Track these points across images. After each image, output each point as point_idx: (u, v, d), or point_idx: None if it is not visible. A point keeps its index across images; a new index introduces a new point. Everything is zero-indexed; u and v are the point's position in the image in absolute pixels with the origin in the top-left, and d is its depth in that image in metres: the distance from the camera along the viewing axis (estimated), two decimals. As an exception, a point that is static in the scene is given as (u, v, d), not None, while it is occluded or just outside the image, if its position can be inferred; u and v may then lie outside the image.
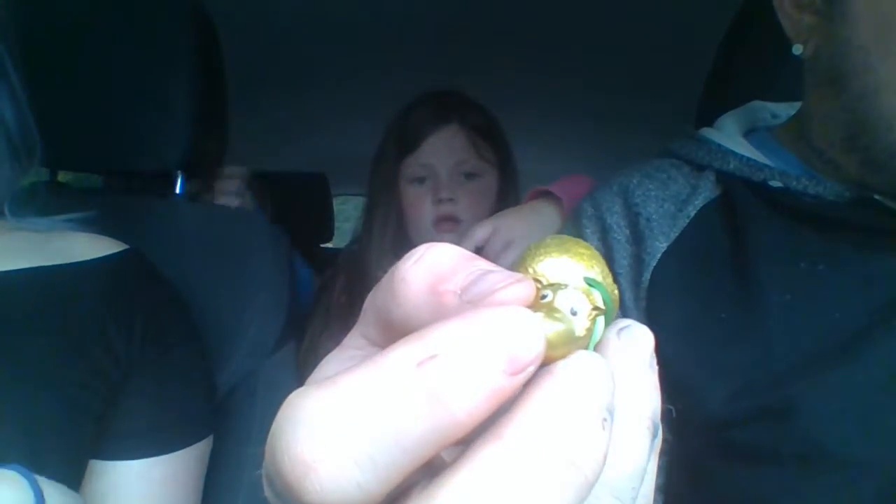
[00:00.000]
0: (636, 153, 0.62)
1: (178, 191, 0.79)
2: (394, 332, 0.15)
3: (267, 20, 1.18)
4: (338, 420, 0.12)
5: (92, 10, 0.73)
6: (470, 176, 1.00)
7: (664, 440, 0.45)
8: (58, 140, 0.62)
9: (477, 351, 0.12)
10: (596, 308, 0.15)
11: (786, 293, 0.46)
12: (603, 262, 0.16)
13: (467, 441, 0.13)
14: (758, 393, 0.44)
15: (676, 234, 0.52)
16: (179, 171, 0.79)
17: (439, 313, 0.14)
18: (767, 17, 0.53)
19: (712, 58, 0.80)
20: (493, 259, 0.80)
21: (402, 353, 0.13)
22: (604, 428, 0.13)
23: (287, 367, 0.79)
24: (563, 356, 0.14)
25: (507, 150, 1.06)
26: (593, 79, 1.38)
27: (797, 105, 0.56)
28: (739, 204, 0.51)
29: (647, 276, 0.52)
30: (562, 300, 0.14)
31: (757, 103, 0.62)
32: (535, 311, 0.14)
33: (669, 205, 0.54)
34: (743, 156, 0.54)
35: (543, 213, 0.80)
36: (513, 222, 0.79)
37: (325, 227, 1.87)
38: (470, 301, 0.14)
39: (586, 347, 0.14)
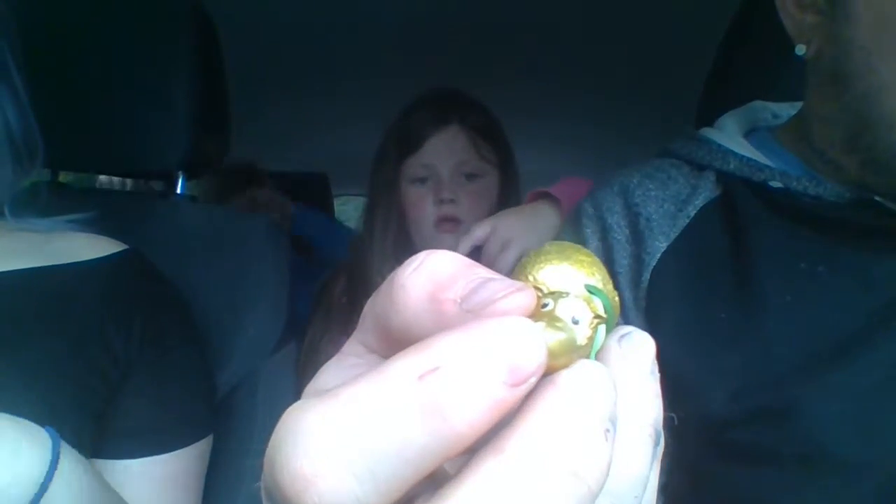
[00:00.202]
0: (636, 153, 0.62)
1: (178, 191, 0.80)
2: (393, 339, 0.15)
3: (267, 20, 1.18)
4: (338, 434, 0.12)
5: (92, 10, 0.73)
6: (471, 177, 1.00)
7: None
8: (58, 140, 0.62)
9: (478, 363, 0.12)
10: (597, 316, 0.15)
11: (786, 294, 0.46)
12: (604, 268, 0.16)
13: (469, 452, 0.13)
14: (757, 393, 0.44)
15: (676, 234, 0.52)
16: (180, 171, 0.79)
17: (439, 321, 0.14)
18: (768, 17, 0.53)
19: (712, 58, 0.80)
20: (491, 258, 0.81)
21: (403, 366, 0.13)
22: (607, 438, 0.13)
23: (287, 367, 0.79)
24: (565, 365, 0.14)
25: (508, 151, 1.06)
26: (594, 79, 1.38)
27: (798, 105, 0.56)
28: (739, 204, 0.51)
29: (646, 275, 0.52)
30: (563, 309, 0.14)
31: (757, 103, 0.62)
32: (536, 321, 0.14)
33: (669, 205, 0.54)
34: (743, 156, 0.54)
35: (542, 215, 0.80)
36: (512, 222, 0.79)
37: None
38: (470, 310, 0.14)
39: (588, 356, 0.14)
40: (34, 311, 0.53)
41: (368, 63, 1.34)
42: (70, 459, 0.42)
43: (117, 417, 0.54)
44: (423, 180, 1.00)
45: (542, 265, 0.16)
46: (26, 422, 0.42)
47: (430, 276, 0.15)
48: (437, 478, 0.13)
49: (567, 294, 0.15)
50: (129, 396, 0.55)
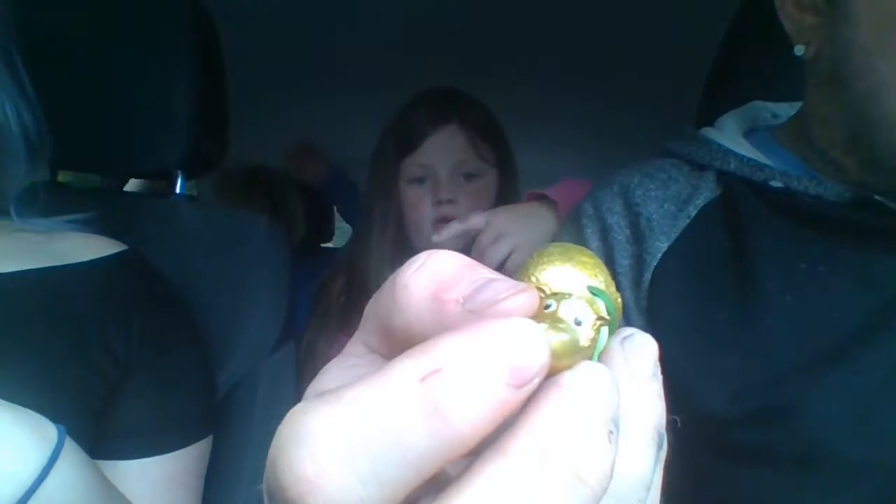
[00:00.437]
0: (636, 154, 0.62)
1: (178, 191, 0.79)
2: (395, 339, 0.15)
3: (267, 20, 1.18)
4: (341, 436, 0.12)
5: (92, 10, 0.73)
6: (469, 177, 1.00)
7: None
8: (57, 140, 0.62)
9: (481, 364, 0.12)
10: (600, 318, 0.15)
11: (786, 294, 0.46)
12: (606, 270, 0.16)
13: (472, 454, 0.13)
14: (758, 393, 0.44)
15: (677, 234, 0.52)
16: (179, 171, 0.79)
17: (441, 322, 0.14)
18: (768, 17, 0.53)
19: (712, 58, 0.80)
20: (482, 250, 0.81)
21: (405, 368, 0.13)
22: (610, 441, 0.13)
23: (287, 366, 0.79)
24: (568, 367, 0.14)
25: (507, 151, 1.05)
26: (593, 78, 1.38)
27: (798, 105, 0.56)
28: (740, 204, 0.51)
29: (647, 276, 0.52)
30: (566, 310, 0.14)
31: (757, 103, 0.62)
32: (539, 322, 0.14)
33: (670, 205, 0.54)
34: (743, 156, 0.54)
35: (538, 215, 0.80)
36: (507, 218, 0.80)
37: (325, 227, 1.87)
38: (473, 310, 0.14)
39: (590, 357, 0.14)
40: (34, 311, 0.53)
41: (369, 62, 1.34)
42: (73, 460, 0.42)
43: (117, 417, 0.54)
44: (421, 180, 1.00)
45: (544, 266, 0.16)
46: (35, 416, 0.42)
47: (432, 275, 0.15)
48: (440, 480, 0.13)
49: (570, 295, 0.15)
50: (128, 397, 0.55)
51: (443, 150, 0.98)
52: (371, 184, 1.06)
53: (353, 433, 0.12)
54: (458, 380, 0.12)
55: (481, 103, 1.04)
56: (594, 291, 0.15)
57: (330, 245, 1.95)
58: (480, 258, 0.78)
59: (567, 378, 0.13)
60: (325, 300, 1.07)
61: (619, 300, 0.16)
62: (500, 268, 0.77)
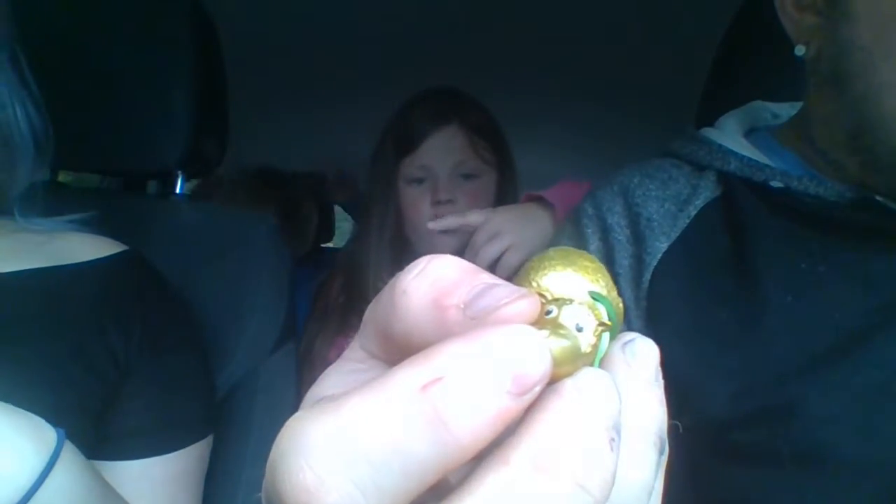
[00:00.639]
0: (636, 155, 0.62)
1: (178, 191, 0.79)
2: (394, 345, 0.15)
3: (268, 20, 1.18)
4: (340, 445, 0.12)
5: (92, 10, 0.73)
6: (469, 177, 0.99)
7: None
8: (58, 140, 0.62)
9: (481, 372, 0.12)
10: (602, 324, 0.15)
11: (786, 294, 0.46)
12: (607, 274, 0.16)
13: (473, 462, 0.13)
14: (758, 394, 0.44)
15: (677, 235, 0.52)
16: (179, 171, 0.79)
17: (442, 328, 0.14)
18: (768, 18, 0.53)
19: (712, 58, 0.80)
20: (476, 248, 0.82)
21: (406, 376, 0.13)
22: (612, 448, 0.13)
23: (287, 367, 0.79)
24: (569, 373, 0.14)
25: (506, 151, 1.05)
26: (593, 78, 1.38)
27: (798, 105, 0.56)
28: (740, 204, 0.51)
29: (647, 276, 0.52)
30: (567, 316, 0.14)
31: (758, 103, 0.62)
32: (540, 328, 0.13)
33: (670, 205, 0.54)
34: (744, 156, 0.54)
35: (535, 217, 0.80)
36: (504, 217, 0.80)
37: (325, 227, 1.87)
38: (473, 316, 0.14)
39: (592, 364, 0.14)
40: (34, 311, 0.53)
41: (369, 62, 1.34)
42: (71, 463, 0.42)
43: (117, 418, 0.54)
44: (420, 181, 0.99)
45: (545, 271, 0.15)
46: (34, 419, 0.42)
47: (432, 281, 0.14)
48: (441, 488, 0.13)
49: (571, 301, 0.15)
50: (128, 397, 0.55)
51: (442, 150, 0.98)
52: (370, 184, 1.06)
53: (353, 442, 0.12)
54: (459, 388, 0.12)
55: (481, 104, 1.04)
56: (596, 297, 0.15)
57: (330, 245, 1.95)
58: (474, 256, 0.78)
59: (568, 385, 0.13)
60: (324, 300, 1.07)
61: (621, 305, 0.16)
62: (493, 266, 0.77)
